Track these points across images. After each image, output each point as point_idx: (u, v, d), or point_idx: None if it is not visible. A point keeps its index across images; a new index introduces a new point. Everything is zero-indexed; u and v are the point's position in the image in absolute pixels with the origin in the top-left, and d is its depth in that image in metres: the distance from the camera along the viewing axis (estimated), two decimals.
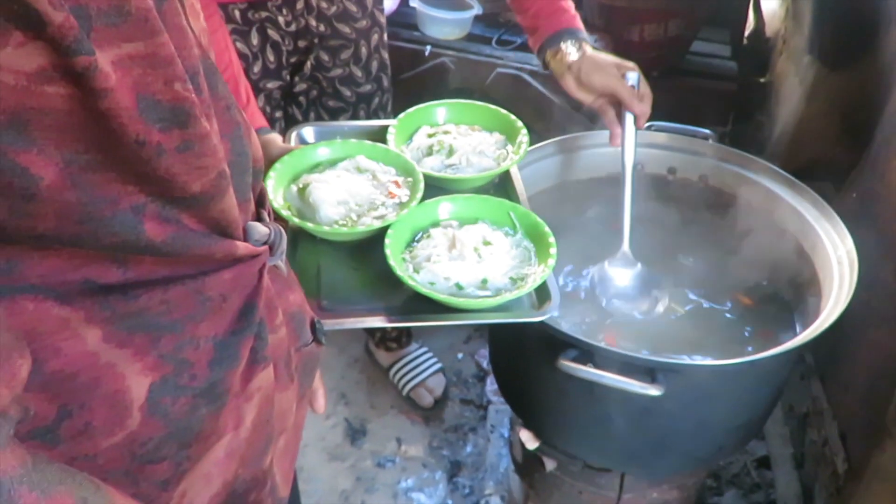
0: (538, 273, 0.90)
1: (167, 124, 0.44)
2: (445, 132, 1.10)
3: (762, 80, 1.80)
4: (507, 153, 1.08)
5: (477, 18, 1.90)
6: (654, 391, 0.91)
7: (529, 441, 1.22)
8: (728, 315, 1.23)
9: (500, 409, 1.79)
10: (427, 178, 1.00)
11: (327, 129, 1.14)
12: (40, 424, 0.45)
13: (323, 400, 0.82)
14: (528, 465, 1.36)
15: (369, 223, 0.93)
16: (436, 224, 0.97)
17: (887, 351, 1.18)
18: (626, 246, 1.18)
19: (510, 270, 0.91)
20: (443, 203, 0.99)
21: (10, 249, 0.42)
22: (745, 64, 1.90)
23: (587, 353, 0.97)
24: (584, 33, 1.20)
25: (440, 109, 1.15)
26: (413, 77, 1.91)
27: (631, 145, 1.18)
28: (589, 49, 1.19)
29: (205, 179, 0.47)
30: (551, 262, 0.90)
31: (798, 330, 1.19)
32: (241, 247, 0.53)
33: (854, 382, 1.35)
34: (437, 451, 1.77)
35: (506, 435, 1.74)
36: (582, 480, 1.28)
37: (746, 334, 1.19)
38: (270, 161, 0.98)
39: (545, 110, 1.80)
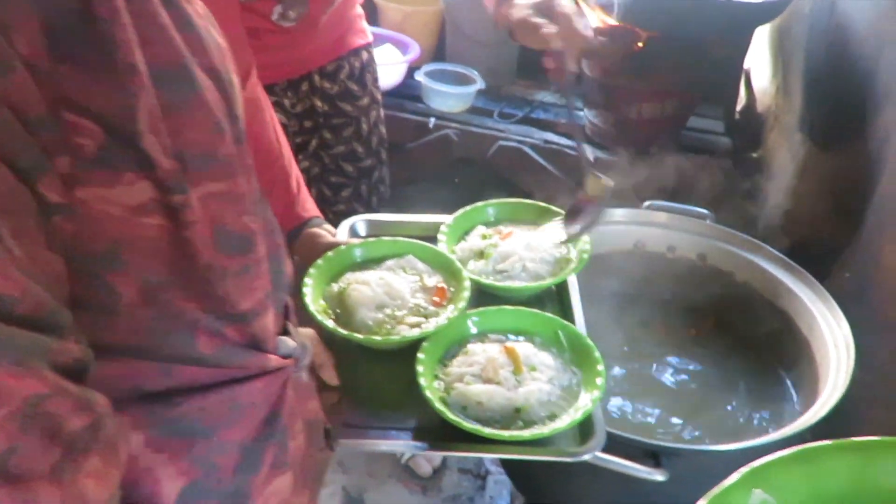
0: (582, 403, 0.83)
1: (233, 251, 0.49)
2: (499, 233, 1.05)
3: (754, 154, 1.85)
4: (571, 257, 1.03)
5: (479, 92, 1.95)
6: (659, 476, 0.92)
7: None
8: (726, 394, 1.25)
9: (498, 480, 1.78)
10: (476, 285, 0.95)
11: (379, 222, 1.10)
12: None
13: (332, 371, 0.84)
14: None
15: (405, 333, 0.88)
16: (475, 338, 0.91)
17: (885, 431, 1.19)
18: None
19: (548, 401, 0.84)
20: (488, 314, 0.92)
21: None
22: (737, 139, 1.95)
23: None
24: None
25: (491, 209, 1.11)
26: (417, 147, 1.96)
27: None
28: None
29: (253, 299, 0.52)
30: (597, 393, 0.82)
31: (796, 403, 1.21)
32: (273, 360, 0.57)
33: None
34: None
35: None
36: None
37: (745, 413, 1.20)
38: (316, 256, 0.97)
39: (545, 182, 1.84)
